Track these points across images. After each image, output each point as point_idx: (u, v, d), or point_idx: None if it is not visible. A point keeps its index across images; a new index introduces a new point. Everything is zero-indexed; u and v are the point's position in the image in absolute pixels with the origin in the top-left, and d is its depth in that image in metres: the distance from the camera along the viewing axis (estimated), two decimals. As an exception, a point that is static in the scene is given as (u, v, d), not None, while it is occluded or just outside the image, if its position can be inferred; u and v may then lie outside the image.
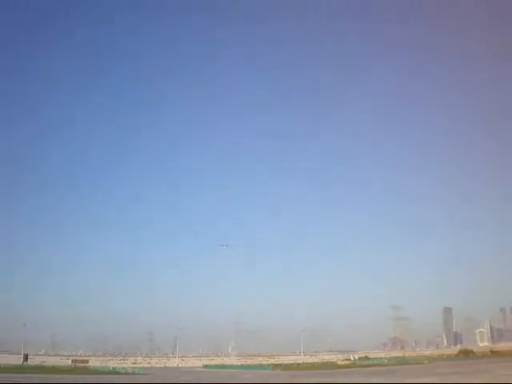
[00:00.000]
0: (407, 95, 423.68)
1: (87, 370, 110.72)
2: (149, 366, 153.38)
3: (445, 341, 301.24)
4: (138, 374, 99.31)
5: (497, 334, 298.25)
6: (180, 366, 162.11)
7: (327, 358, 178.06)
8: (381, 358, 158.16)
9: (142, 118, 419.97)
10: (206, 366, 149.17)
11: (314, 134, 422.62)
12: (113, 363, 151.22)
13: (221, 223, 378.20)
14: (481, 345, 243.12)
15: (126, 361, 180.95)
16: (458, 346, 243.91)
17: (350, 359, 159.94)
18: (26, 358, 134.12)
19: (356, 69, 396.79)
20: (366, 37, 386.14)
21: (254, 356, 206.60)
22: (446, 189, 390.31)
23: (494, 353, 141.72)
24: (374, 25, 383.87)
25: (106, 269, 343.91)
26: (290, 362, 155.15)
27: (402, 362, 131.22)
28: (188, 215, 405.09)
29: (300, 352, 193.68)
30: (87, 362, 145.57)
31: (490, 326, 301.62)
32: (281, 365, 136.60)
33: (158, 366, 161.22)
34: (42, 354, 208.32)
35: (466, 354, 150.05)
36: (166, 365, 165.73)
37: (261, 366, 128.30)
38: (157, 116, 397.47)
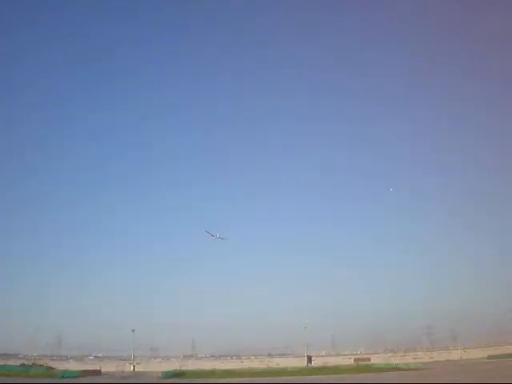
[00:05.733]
0: None
1: (370, 368, 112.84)
2: (430, 360, 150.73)
3: None
4: (422, 369, 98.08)
5: None
6: (463, 357, 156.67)
7: None
8: None
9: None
10: (490, 357, 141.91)
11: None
12: (394, 360, 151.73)
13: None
14: None
15: (406, 356, 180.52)
16: None
17: None
18: (310, 359, 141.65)
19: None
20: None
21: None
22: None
23: None
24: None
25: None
26: None
27: None
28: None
29: None
30: (369, 359, 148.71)
31: None
32: None
33: (439, 359, 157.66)
34: (323, 355, 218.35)
35: None
36: (448, 358, 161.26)
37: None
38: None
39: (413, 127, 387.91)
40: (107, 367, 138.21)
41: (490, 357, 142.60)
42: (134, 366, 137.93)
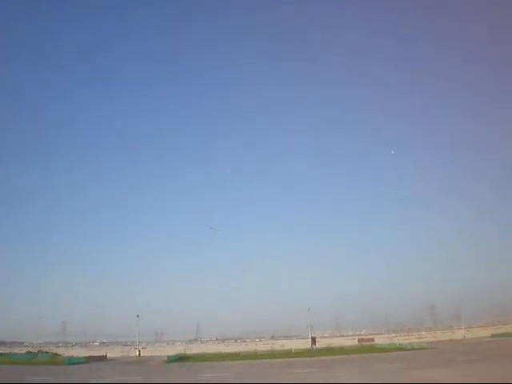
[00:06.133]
0: None
1: (374, 349, 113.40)
2: (434, 339, 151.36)
3: None
4: (425, 348, 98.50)
5: None
6: (466, 337, 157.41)
7: None
8: None
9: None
10: (494, 336, 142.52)
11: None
12: (397, 340, 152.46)
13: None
14: None
15: (410, 336, 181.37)
16: None
17: None
18: (314, 341, 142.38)
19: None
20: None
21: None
22: None
23: None
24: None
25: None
26: None
27: None
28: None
29: None
30: (373, 340, 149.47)
31: None
32: None
33: (443, 339, 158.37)
34: (327, 337, 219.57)
35: None
36: (451, 337, 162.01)
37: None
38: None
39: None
40: (113, 353, 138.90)
41: (493, 335, 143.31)
42: (139, 351, 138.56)
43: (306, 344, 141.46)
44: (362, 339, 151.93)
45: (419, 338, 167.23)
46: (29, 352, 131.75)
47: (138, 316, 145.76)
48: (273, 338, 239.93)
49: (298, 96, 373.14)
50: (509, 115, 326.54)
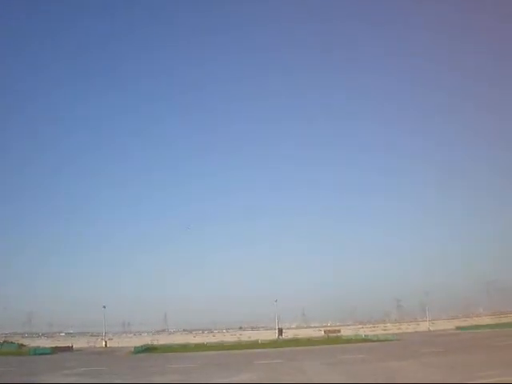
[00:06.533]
0: None
1: (340, 340, 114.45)
2: (399, 331, 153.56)
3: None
4: (391, 340, 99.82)
5: None
6: (431, 329, 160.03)
7: None
8: None
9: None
10: (458, 328, 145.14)
11: None
12: (364, 331, 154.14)
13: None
14: None
15: (376, 328, 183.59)
16: None
17: None
18: (280, 332, 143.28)
19: None
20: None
21: (509, 314, 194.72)
22: None
23: None
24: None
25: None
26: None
27: None
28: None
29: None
30: (339, 331, 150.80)
31: None
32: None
33: (408, 331, 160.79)
34: (294, 328, 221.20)
35: None
36: (416, 330, 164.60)
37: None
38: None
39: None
40: (79, 343, 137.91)
41: (457, 328, 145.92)
42: (105, 342, 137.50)
43: (272, 335, 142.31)
44: (329, 331, 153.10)
45: (385, 329, 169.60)
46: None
47: (104, 307, 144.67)
48: (240, 329, 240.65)
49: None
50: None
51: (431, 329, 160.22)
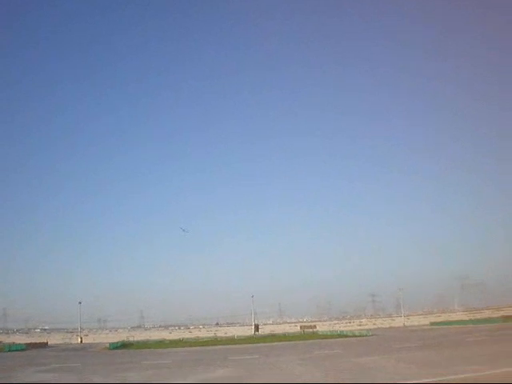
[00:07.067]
0: None
1: (316, 335, 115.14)
2: (375, 327, 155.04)
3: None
4: (366, 335, 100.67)
5: None
6: (406, 324, 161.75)
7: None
8: None
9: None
10: (432, 324, 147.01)
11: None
12: (339, 327, 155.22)
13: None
14: None
15: (351, 324, 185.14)
16: None
17: None
18: (257, 328, 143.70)
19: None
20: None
21: (482, 309, 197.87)
22: None
23: None
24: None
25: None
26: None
27: None
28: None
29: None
30: (315, 327, 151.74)
31: None
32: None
33: (383, 326, 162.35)
34: (271, 324, 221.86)
35: None
36: (391, 325, 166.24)
37: (490, 320, 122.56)
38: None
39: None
40: (54, 340, 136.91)
41: (432, 323, 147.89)
42: (81, 338, 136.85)
43: (249, 331, 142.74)
44: (304, 326, 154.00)
45: (360, 325, 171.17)
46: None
47: (80, 303, 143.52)
48: (217, 325, 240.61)
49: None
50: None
51: (406, 324, 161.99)
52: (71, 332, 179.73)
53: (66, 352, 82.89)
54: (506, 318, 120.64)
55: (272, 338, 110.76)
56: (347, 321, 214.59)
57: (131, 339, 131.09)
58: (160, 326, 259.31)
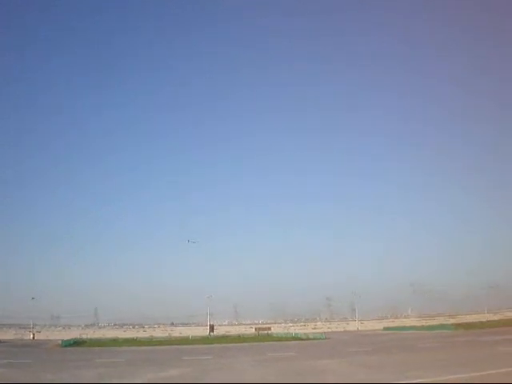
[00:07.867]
0: None
1: (270, 337, 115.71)
2: (329, 330, 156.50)
3: None
4: (320, 339, 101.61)
5: None
6: (360, 329, 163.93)
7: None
8: None
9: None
10: (386, 329, 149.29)
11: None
12: (294, 329, 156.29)
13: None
14: None
15: (306, 326, 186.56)
16: None
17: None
18: (212, 328, 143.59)
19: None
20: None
21: (435, 316, 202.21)
22: None
23: None
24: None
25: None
26: (472, 321, 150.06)
27: None
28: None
29: (483, 310, 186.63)
30: (270, 329, 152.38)
31: None
32: (463, 324, 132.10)
33: (337, 330, 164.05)
34: (226, 325, 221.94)
35: None
36: (346, 329, 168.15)
37: (442, 326, 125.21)
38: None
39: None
40: (6, 335, 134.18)
41: (385, 328, 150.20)
42: (33, 335, 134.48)
43: (204, 331, 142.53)
44: (259, 328, 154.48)
45: (315, 328, 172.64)
46: None
47: (33, 298, 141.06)
48: (172, 324, 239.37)
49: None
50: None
51: (360, 328, 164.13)
52: (23, 328, 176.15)
53: (18, 348, 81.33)
54: (457, 326, 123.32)
55: (227, 339, 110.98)
56: (302, 324, 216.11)
57: (84, 337, 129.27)
58: (114, 325, 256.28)
